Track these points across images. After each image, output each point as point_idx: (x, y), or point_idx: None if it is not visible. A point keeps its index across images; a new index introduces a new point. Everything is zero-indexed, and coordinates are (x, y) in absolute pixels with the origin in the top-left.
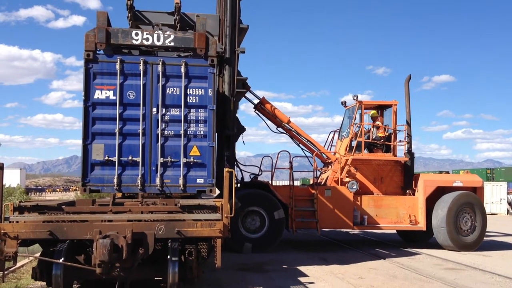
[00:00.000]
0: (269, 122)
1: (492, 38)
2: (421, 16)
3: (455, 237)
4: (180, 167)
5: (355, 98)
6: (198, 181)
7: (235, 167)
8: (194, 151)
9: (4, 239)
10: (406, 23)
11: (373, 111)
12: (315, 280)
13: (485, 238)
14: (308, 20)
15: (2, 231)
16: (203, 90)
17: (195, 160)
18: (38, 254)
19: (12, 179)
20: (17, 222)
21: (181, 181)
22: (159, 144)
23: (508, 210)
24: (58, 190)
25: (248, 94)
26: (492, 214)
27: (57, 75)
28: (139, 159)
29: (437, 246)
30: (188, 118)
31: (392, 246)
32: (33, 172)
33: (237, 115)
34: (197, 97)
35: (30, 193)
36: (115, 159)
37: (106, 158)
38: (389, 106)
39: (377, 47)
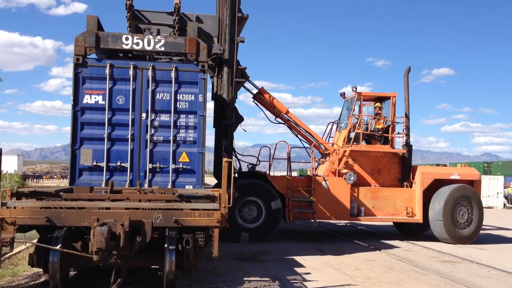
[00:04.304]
0: (267, 113)
1: (493, 31)
2: (422, 8)
3: (451, 230)
4: (169, 173)
5: (354, 89)
6: (187, 187)
7: (233, 157)
8: (183, 157)
9: (1, 225)
10: (406, 15)
11: (377, 103)
12: (312, 271)
13: (481, 232)
14: (308, 11)
15: None
16: (193, 95)
17: (184, 166)
18: (35, 241)
19: (9, 165)
20: (15, 208)
21: (169, 187)
22: (148, 149)
23: (504, 204)
24: (55, 177)
25: (247, 84)
26: (488, 207)
27: (57, 62)
28: (127, 164)
29: (433, 238)
30: (178, 124)
31: (388, 238)
32: (31, 159)
33: (235, 104)
34: (187, 103)
35: (27, 180)
36: (104, 164)
37: (95, 163)
38: (388, 98)
39: (377, 39)
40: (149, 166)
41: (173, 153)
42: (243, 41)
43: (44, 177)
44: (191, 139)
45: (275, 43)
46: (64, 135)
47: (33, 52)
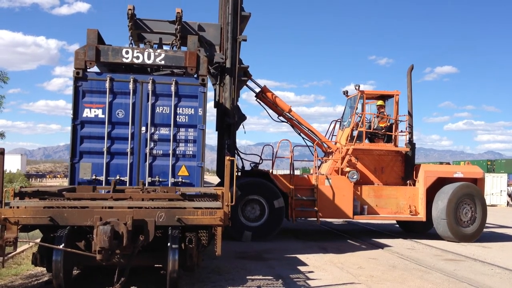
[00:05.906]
0: (270, 111)
1: (496, 29)
2: (424, 6)
3: (455, 228)
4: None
5: (357, 87)
6: None
7: (236, 155)
8: (183, 171)
9: (4, 225)
10: (409, 13)
11: (380, 101)
12: (315, 269)
13: (485, 230)
14: (310, 9)
15: (2, 216)
16: (193, 109)
17: (183, 180)
18: (38, 240)
19: (12, 164)
20: (18, 207)
21: None
22: (147, 163)
23: (508, 202)
24: (58, 176)
25: (249, 83)
26: (492, 205)
27: (61, 61)
28: (126, 178)
29: (436, 237)
30: (177, 138)
31: (391, 236)
32: (34, 158)
33: (238, 103)
34: (186, 116)
35: (30, 179)
36: (103, 178)
37: (94, 177)
38: (391, 96)
39: (379, 37)
40: (148, 180)
41: (172, 167)
42: (245, 40)
43: (48, 176)
44: (191, 153)
45: (277, 42)
46: (68, 134)
47: (36, 52)
